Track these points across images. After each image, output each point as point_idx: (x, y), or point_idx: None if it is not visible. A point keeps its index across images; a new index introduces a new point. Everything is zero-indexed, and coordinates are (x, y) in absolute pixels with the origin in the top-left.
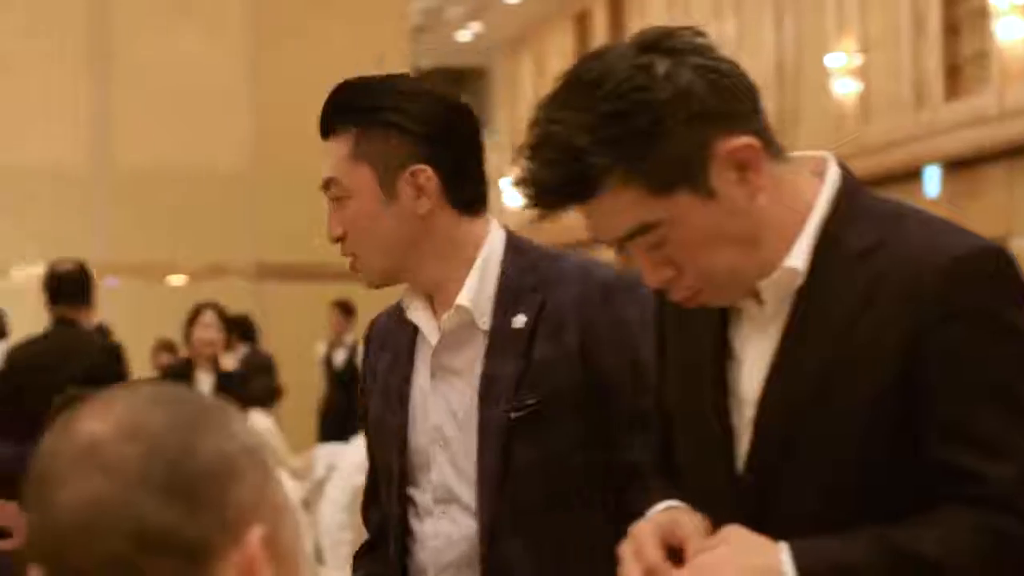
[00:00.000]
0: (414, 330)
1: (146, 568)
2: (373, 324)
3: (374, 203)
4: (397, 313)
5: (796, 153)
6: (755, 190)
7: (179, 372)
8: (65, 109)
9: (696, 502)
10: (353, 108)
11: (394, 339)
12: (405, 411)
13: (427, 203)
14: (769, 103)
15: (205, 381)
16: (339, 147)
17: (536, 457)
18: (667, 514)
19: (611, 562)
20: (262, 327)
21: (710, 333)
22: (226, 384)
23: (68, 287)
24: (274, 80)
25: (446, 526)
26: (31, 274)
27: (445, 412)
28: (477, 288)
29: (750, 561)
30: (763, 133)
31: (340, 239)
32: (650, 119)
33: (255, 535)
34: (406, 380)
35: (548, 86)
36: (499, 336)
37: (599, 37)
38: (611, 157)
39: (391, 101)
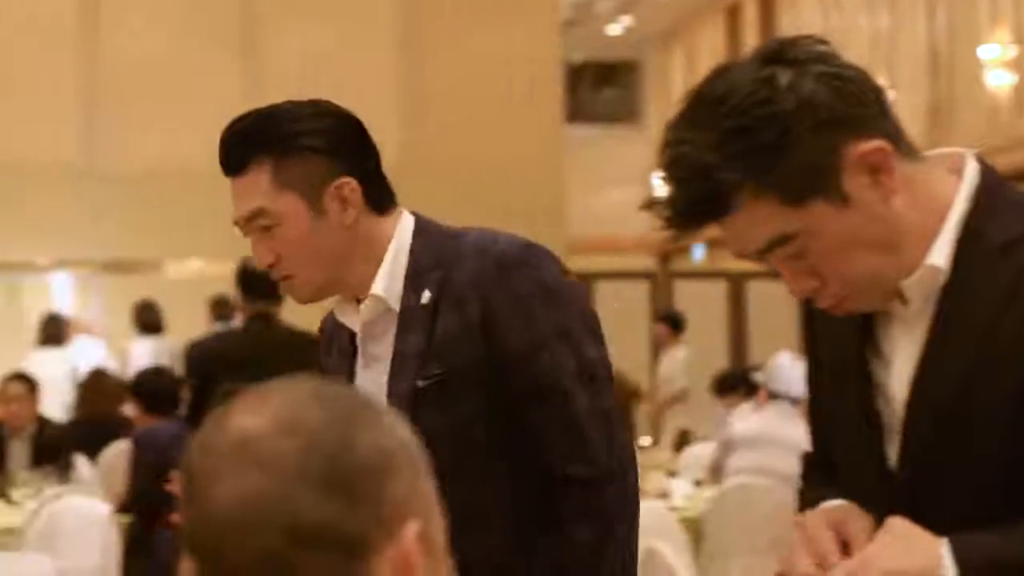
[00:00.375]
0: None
1: (300, 563)
2: (323, 327)
3: (305, 224)
4: None
5: (932, 151)
6: (889, 193)
7: None
8: (217, 106)
9: (852, 499)
10: (266, 140)
11: (338, 339)
12: None
13: (353, 212)
14: (922, 96)
15: None
16: (256, 180)
17: (443, 423)
18: (838, 509)
19: (506, 534)
20: None
21: (857, 334)
22: None
23: (263, 283)
24: (424, 75)
25: None
26: (185, 269)
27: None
28: (389, 276)
29: (911, 557)
30: (893, 135)
31: (272, 265)
32: (776, 131)
33: (411, 530)
34: (349, 378)
35: (699, 79)
36: (407, 314)
37: (750, 31)
38: (740, 172)
39: (301, 126)
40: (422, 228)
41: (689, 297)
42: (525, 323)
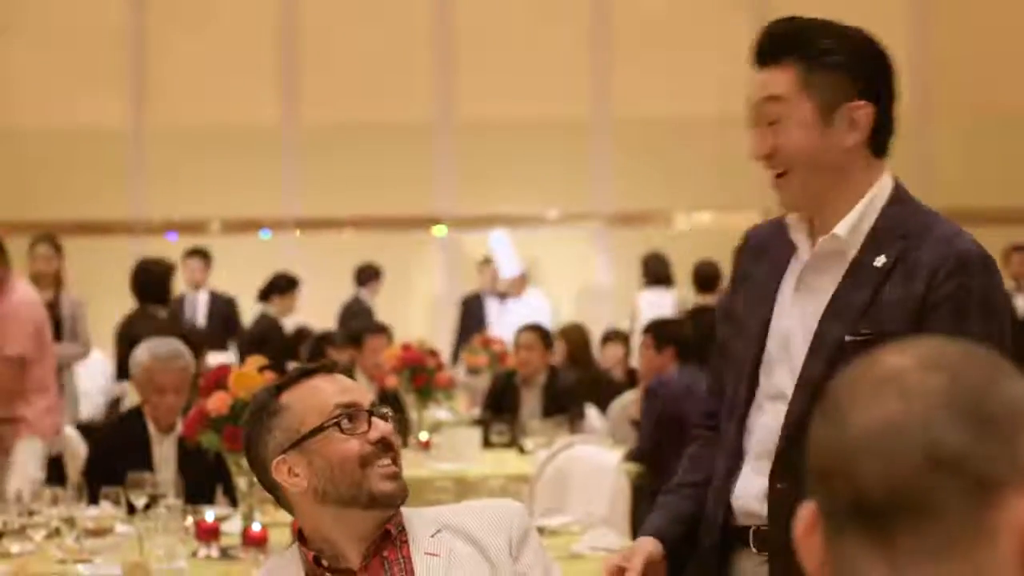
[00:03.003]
0: (792, 247)
1: (934, 489)
2: (752, 234)
3: (811, 132)
4: (778, 228)
5: None
6: None
7: None
8: (724, 57)
9: None
10: (803, 45)
11: (775, 250)
12: (769, 311)
13: (856, 137)
14: None
15: None
16: (783, 77)
17: None
18: None
19: None
20: None
21: None
22: None
23: None
24: (938, 29)
25: (770, 419)
26: (694, 221)
27: (797, 322)
28: (855, 223)
29: None
30: None
31: (768, 156)
32: None
33: None
34: (776, 288)
35: None
36: (858, 268)
37: None
38: None
39: (838, 43)
40: (901, 195)
41: None
42: (958, 322)
